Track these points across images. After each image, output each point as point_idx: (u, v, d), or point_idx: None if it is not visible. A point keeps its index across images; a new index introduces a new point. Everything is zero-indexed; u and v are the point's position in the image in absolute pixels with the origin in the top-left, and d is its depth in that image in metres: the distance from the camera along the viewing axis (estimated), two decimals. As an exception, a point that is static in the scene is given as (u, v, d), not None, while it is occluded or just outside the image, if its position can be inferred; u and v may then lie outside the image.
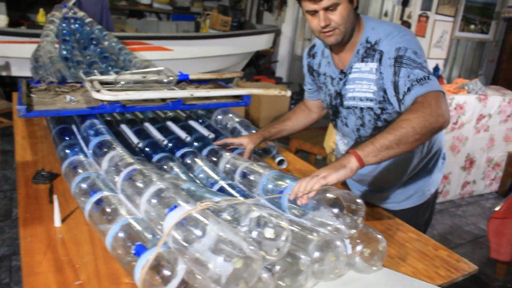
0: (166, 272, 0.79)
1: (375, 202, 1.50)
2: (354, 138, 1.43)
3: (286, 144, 4.16)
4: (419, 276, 1.12)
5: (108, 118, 1.87)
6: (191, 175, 1.38)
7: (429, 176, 1.47)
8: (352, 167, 1.02)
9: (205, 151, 1.57)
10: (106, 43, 3.25)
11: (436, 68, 3.95)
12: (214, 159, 1.50)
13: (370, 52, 1.26)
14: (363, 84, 1.29)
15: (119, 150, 1.21)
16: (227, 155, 1.45)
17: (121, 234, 0.90)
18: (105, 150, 1.23)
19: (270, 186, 1.14)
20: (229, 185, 1.26)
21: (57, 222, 1.18)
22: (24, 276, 0.98)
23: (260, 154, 1.81)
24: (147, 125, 1.79)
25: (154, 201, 0.89)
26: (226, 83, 2.24)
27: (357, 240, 0.92)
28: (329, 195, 0.93)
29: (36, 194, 1.34)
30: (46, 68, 2.40)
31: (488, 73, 4.82)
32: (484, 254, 2.82)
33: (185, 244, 0.73)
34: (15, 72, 3.93)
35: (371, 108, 1.31)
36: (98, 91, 1.56)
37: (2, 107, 3.68)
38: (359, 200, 0.92)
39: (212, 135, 1.72)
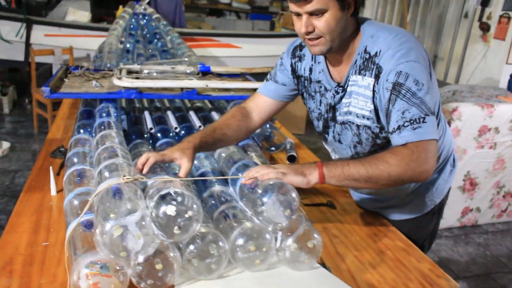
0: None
1: (374, 210, 1.42)
2: (350, 155, 1.30)
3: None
4: (381, 285, 1.05)
5: (137, 105, 2.01)
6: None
7: (432, 185, 1.34)
8: (310, 181, 1.03)
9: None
10: (168, 37, 3.45)
11: (513, 75, 3.55)
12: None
13: (368, 64, 1.12)
14: (359, 99, 1.16)
15: (111, 131, 1.30)
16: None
17: (75, 201, 0.97)
18: (102, 129, 1.33)
19: (240, 174, 1.16)
20: (210, 171, 1.29)
21: (52, 191, 1.31)
22: (4, 233, 1.11)
23: (273, 150, 1.82)
24: (169, 113, 1.88)
25: (105, 173, 0.96)
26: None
27: (288, 234, 0.90)
28: (266, 182, 0.92)
29: (49, 167, 1.49)
30: (102, 58, 2.63)
31: None
32: (543, 285, 2.51)
33: (100, 213, 0.78)
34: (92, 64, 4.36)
35: (368, 127, 1.18)
36: (119, 78, 1.69)
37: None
38: (293, 194, 0.90)
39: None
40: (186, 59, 1.98)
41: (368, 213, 1.41)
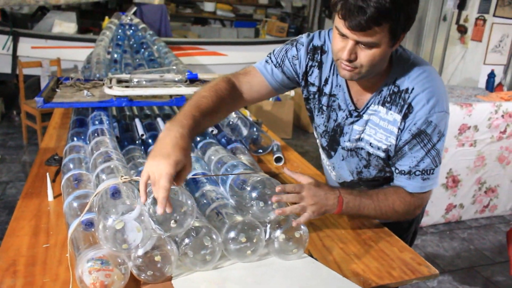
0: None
1: None
2: (350, 179, 1.30)
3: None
4: (366, 274, 1.12)
5: (128, 113, 2.06)
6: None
7: None
8: (328, 212, 1.11)
9: (200, 144, 1.68)
10: (155, 47, 3.51)
11: (491, 74, 3.68)
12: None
13: (396, 98, 1.07)
14: (377, 131, 1.13)
15: (105, 138, 1.36)
16: (213, 148, 1.54)
17: (74, 204, 1.03)
18: (96, 135, 1.38)
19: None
20: (202, 173, 1.35)
21: (50, 197, 1.36)
22: (6, 236, 1.15)
23: (260, 152, 1.89)
24: (159, 120, 1.94)
25: (102, 176, 1.01)
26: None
27: (276, 225, 0.97)
28: (254, 179, 0.99)
29: (44, 174, 1.53)
30: (91, 68, 2.68)
31: None
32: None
33: (101, 210, 0.84)
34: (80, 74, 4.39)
35: (381, 158, 1.17)
36: (110, 87, 1.74)
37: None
38: (278, 188, 0.96)
39: (215, 131, 1.83)
40: (174, 67, 2.04)
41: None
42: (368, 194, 1.13)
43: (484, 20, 3.83)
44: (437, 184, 1.13)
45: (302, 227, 0.98)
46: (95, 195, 0.88)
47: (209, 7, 7.21)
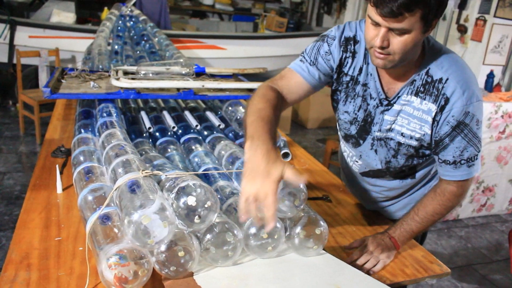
0: (115, 231, 0.89)
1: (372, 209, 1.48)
2: (377, 168, 1.30)
3: (323, 143, 4.17)
4: (380, 272, 1.12)
5: (133, 105, 2.04)
6: (187, 157, 1.49)
7: (424, 188, 1.38)
8: (392, 254, 1.19)
9: (209, 138, 1.67)
10: (156, 39, 3.47)
11: (490, 75, 3.71)
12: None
13: (430, 88, 1.08)
14: (411, 121, 1.13)
15: (116, 130, 1.34)
16: (223, 143, 1.53)
17: (89, 197, 1.01)
18: (105, 128, 1.37)
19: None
20: (214, 167, 1.34)
21: (58, 189, 1.34)
22: (16, 229, 1.14)
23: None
24: (165, 113, 1.92)
25: (119, 170, 1.00)
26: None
27: (296, 222, 0.96)
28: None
29: (51, 166, 1.51)
30: (93, 59, 2.65)
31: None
32: (521, 274, 2.64)
33: (122, 206, 0.82)
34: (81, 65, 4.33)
35: (412, 146, 1.18)
36: (117, 79, 1.72)
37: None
38: (301, 185, 0.96)
39: (222, 125, 1.81)
40: (181, 60, 2.03)
41: (362, 206, 1.49)
42: (409, 218, 1.20)
43: (485, 21, 3.85)
44: (479, 169, 1.16)
45: (322, 223, 0.98)
46: (115, 189, 0.87)
47: (208, 0, 7.16)
